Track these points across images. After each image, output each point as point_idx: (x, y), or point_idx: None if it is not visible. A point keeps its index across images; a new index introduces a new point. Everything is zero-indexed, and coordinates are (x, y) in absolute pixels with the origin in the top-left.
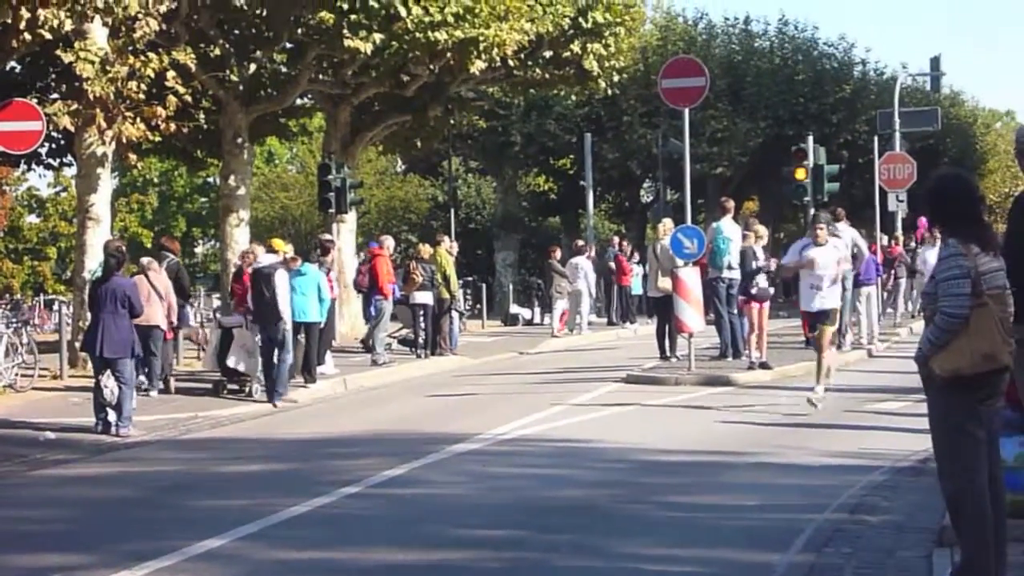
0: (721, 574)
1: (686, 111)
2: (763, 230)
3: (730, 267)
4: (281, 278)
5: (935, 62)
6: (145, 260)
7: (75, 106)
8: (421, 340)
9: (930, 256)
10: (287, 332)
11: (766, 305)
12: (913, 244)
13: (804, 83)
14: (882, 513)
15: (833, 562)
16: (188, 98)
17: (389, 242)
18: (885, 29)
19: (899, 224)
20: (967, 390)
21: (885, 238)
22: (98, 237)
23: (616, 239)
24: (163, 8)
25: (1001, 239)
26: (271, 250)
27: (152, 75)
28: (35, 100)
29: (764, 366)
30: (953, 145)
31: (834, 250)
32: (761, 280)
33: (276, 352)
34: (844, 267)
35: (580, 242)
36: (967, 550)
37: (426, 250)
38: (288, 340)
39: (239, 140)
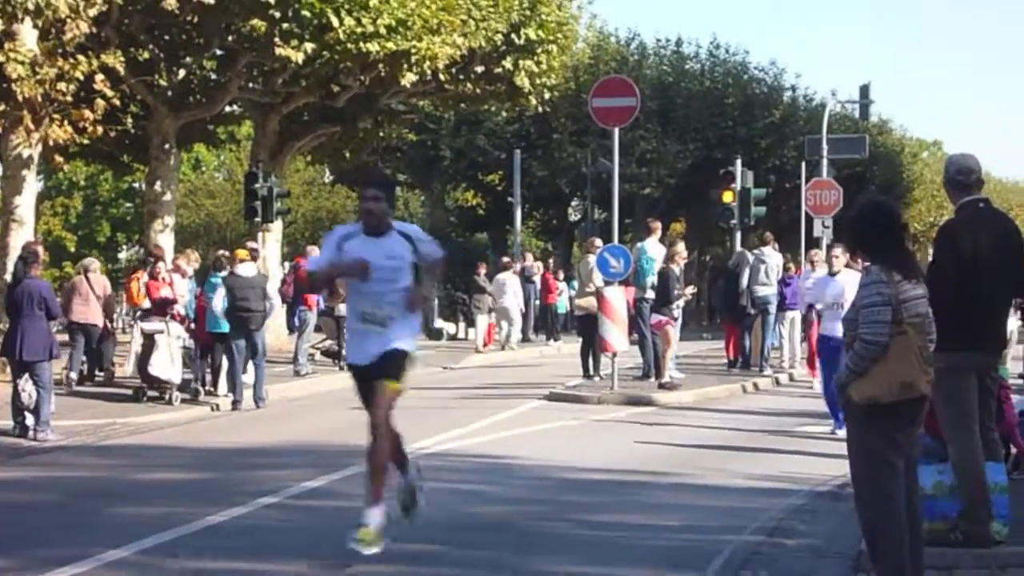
0: None
1: (616, 131)
2: (683, 251)
3: (653, 287)
4: (272, 290)
5: (864, 90)
6: (86, 261)
7: (2, 107)
8: (344, 351)
9: (807, 283)
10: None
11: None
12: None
13: (734, 107)
14: (800, 537)
15: None
16: (116, 102)
17: (316, 252)
18: (816, 56)
19: (824, 250)
20: (885, 417)
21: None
22: (21, 240)
23: (529, 256)
24: (93, 11)
25: (926, 267)
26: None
27: (81, 78)
28: None
29: (669, 386)
30: (880, 173)
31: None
32: (679, 304)
33: (252, 357)
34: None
35: (507, 259)
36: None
37: None
38: (263, 346)
39: (166, 146)
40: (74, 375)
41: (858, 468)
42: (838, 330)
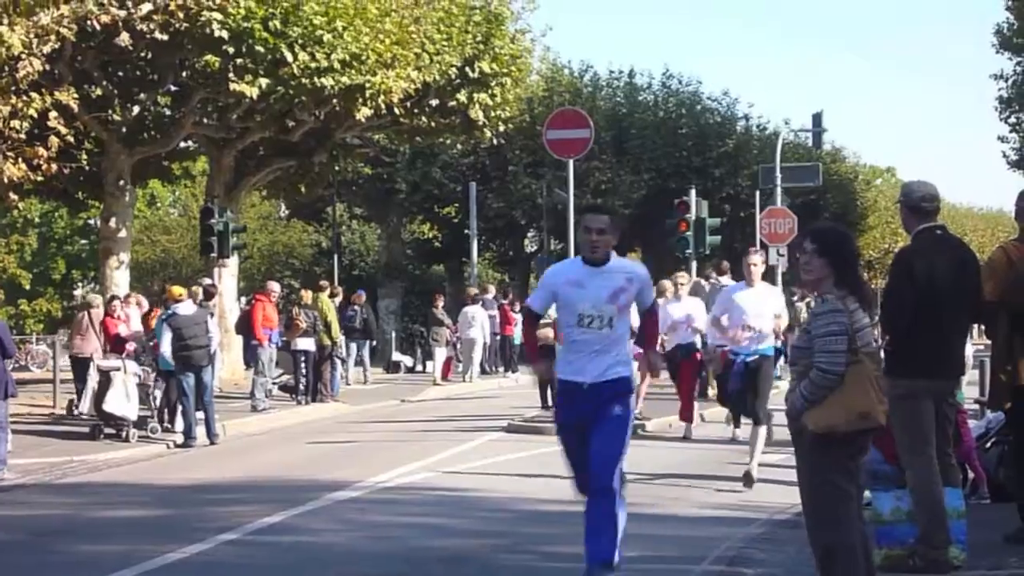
0: None
1: (571, 162)
2: (670, 286)
3: None
4: (212, 324)
5: (817, 118)
6: (89, 297)
7: None
8: (302, 387)
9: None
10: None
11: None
12: (795, 298)
13: (687, 137)
14: (759, 566)
15: None
16: (70, 139)
17: (275, 287)
18: (768, 85)
19: (779, 278)
20: (839, 446)
21: None
22: None
23: (492, 288)
24: (47, 48)
25: (880, 294)
26: (178, 298)
27: (35, 115)
28: None
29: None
30: (834, 201)
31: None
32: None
33: (201, 393)
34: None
35: (473, 291)
36: None
37: (308, 296)
38: (211, 383)
39: (121, 182)
40: (83, 407)
41: (811, 497)
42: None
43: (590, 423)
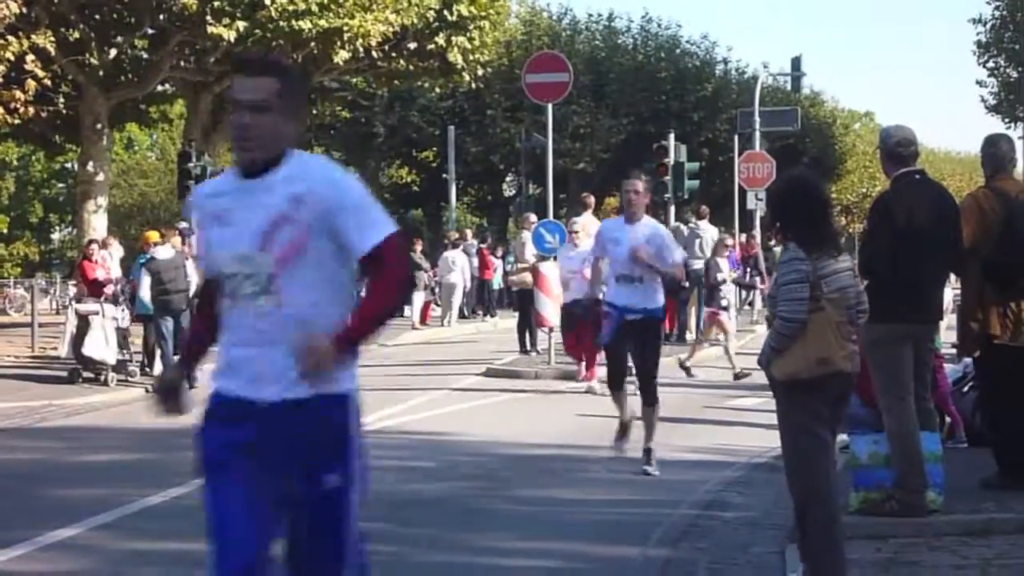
0: (578, 568)
1: (549, 106)
2: (729, 242)
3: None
4: (190, 267)
5: (796, 62)
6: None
7: None
8: None
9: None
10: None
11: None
12: (772, 243)
13: (666, 81)
14: (736, 509)
15: (688, 556)
16: (48, 82)
17: None
18: (747, 29)
19: (757, 222)
20: (807, 393)
21: (744, 236)
22: None
23: (468, 232)
24: None
25: (859, 238)
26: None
27: (11, 59)
28: None
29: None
30: (813, 145)
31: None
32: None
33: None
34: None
35: (455, 235)
36: (814, 552)
37: None
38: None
39: (98, 126)
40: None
41: (786, 442)
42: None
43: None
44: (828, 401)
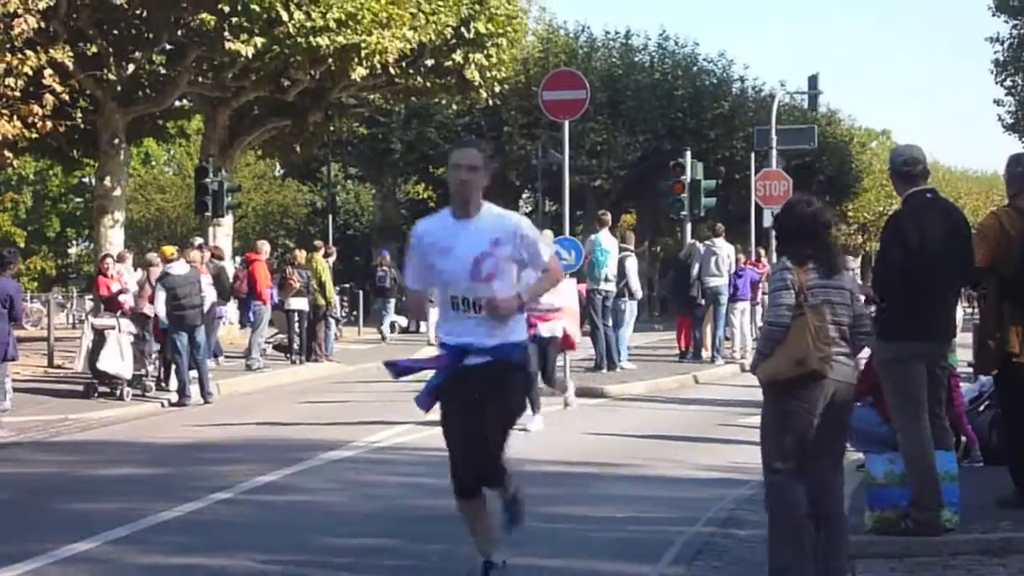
0: None
1: (566, 123)
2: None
3: (607, 279)
4: (205, 283)
5: (813, 80)
6: (150, 256)
7: None
8: (296, 346)
9: None
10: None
11: None
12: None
13: (683, 98)
14: (752, 527)
15: (703, 574)
16: (65, 97)
17: (265, 247)
18: (764, 47)
19: (774, 242)
20: (787, 393)
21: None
22: None
23: None
24: (42, 5)
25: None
26: (169, 258)
27: (29, 73)
28: None
29: None
30: (829, 163)
31: None
32: None
33: (194, 352)
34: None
35: None
36: (771, 548)
37: (302, 256)
38: (206, 343)
39: (116, 140)
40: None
41: (765, 441)
42: None
43: None
44: (813, 404)
